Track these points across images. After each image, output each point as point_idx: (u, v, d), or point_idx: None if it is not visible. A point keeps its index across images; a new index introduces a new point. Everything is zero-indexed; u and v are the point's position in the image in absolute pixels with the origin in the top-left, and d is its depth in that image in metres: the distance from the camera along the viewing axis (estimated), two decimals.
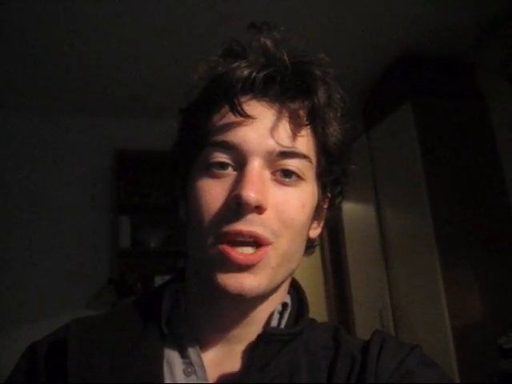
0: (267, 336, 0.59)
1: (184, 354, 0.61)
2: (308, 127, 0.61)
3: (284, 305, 0.65)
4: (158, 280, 3.10)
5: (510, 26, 2.68)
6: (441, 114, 2.84)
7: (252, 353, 0.58)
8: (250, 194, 0.54)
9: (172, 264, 3.18)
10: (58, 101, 3.38)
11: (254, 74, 0.60)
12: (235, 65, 0.60)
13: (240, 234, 0.56)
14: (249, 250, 0.56)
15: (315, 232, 0.68)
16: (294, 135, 0.60)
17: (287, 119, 0.60)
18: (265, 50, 0.61)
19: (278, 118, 0.59)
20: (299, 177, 0.60)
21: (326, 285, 3.86)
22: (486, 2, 2.59)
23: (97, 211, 3.44)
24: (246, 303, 0.61)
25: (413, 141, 2.77)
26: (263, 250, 0.56)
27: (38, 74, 3.03)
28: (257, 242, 0.56)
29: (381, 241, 3.07)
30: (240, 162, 0.58)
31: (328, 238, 3.79)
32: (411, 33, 2.83)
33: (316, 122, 0.61)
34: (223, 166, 0.59)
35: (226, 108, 0.60)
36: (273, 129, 0.59)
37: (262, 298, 0.61)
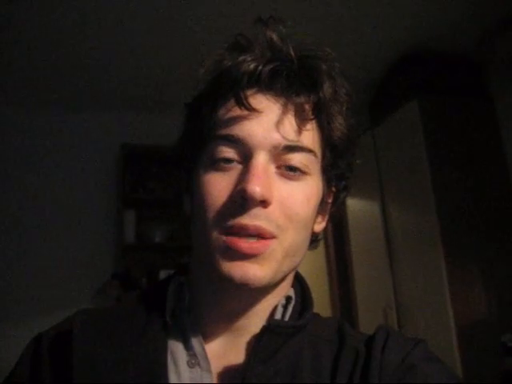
0: (271, 328, 0.59)
1: (188, 346, 0.61)
2: (313, 121, 0.61)
3: (288, 298, 0.66)
4: (163, 274, 3.10)
5: None
6: (447, 112, 2.83)
7: (256, 345, 0.58)
8: (256, 188, 0.55)
9: (177, 258, 3.19)
10: (64, 96, 3.38)
11: (259, 67, 0.60)
12: (241, 58, 0.60)
13: (245, 227, 0.56)
14: (253, 239, 0.56)
15: (320, 226, 0.68)
16: (300, 129, 0.60)
17: (293, 113, 0.60)
18: (271, 44, 0.61)
19: (284, 112, 0.59)
20: (304, 171, 0.60)
21: (331, 282, 3.86)
22: None
23: (102, 205, 3.44)
24: (250, 294, 0.61)
25: (418, 138, 2.75)
26: (267, 241, 0.57)
27: (45, 71, 3.03)
28: (261, 236, 0.57)
29: (385, 238, 3.06)
30: (245, 155, 0.59)
31: (332, 235, 3.79)
32: (417, 30, 2.82)
33: (321, 116, 0.61)
34: (228, 159, 0.59)
35: (232, 102, 0.60)
36: (278, 123, 0.59)
37: (266, 289, 0.61)
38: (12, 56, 2.85)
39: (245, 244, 0.56)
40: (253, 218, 0.56)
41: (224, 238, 0.57)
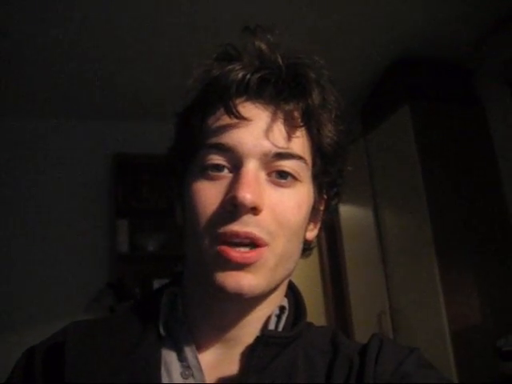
0: (265, 339, 0.58)
1: (182, 357, 0.61)
2: (303, 128, 0.62)
3: (281, 308, 0.65)
4: (157, 284, 3.09)
5: (508, 30, 2.69)
6: (438, 118, 2.84)
7: (250, 355, 0.58)
8: (246, 195, 0.54)
9: (170, 268, 3.18)
10: (57, 105, 3.38)
11: (248, 76, 0.60)
12: (230, 67, 0.60)
13: (236, 234, 0.56)
14: (246, 249, 0.56)
15: (312, 233, 0.68)
16: (289, 136, 0.60)
17: (282, 121, 0.60)
18: (259, 53, 0.62)
19: (273, 120, 0.60)
20: (295, 178, 0.60)
21: (325, 288, 3.85)
22: (485, 6, 2.59)
23: (95, 215, 3.44)
24: (244, 303, 0.61)
25: (410, 144, 2.77)
26: (259, 250, 0.57)
27: (37, 78, 3.03)
28: (253, 243, 0.56)
29: (379, 244, 3.06)
30: (236, 163, 0.59)
31: (326, 241, 3.79)
32: (409, 37, 2.83)
33: (311, 123, 0.62)
34: (219, 168, 0.59)
35: (221, 110, 0.60)
36: (268, 130, 0.59)
37: (259, 298, 0.61)
38: (8, 65, 2.85)
39: (236, 254, 0.55)
40: (244, 225, 0.56)
41: (216, 247, 0.56)
